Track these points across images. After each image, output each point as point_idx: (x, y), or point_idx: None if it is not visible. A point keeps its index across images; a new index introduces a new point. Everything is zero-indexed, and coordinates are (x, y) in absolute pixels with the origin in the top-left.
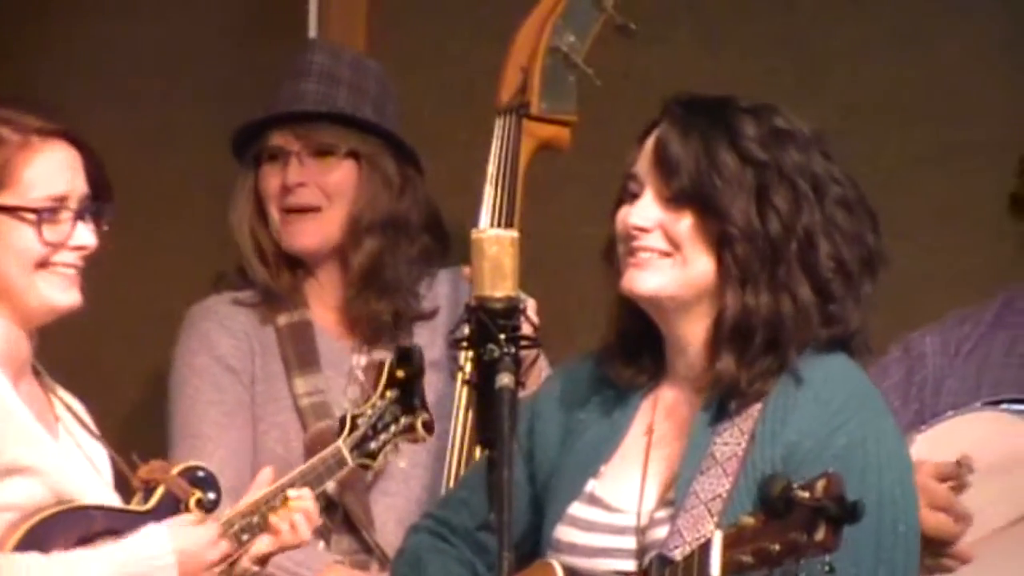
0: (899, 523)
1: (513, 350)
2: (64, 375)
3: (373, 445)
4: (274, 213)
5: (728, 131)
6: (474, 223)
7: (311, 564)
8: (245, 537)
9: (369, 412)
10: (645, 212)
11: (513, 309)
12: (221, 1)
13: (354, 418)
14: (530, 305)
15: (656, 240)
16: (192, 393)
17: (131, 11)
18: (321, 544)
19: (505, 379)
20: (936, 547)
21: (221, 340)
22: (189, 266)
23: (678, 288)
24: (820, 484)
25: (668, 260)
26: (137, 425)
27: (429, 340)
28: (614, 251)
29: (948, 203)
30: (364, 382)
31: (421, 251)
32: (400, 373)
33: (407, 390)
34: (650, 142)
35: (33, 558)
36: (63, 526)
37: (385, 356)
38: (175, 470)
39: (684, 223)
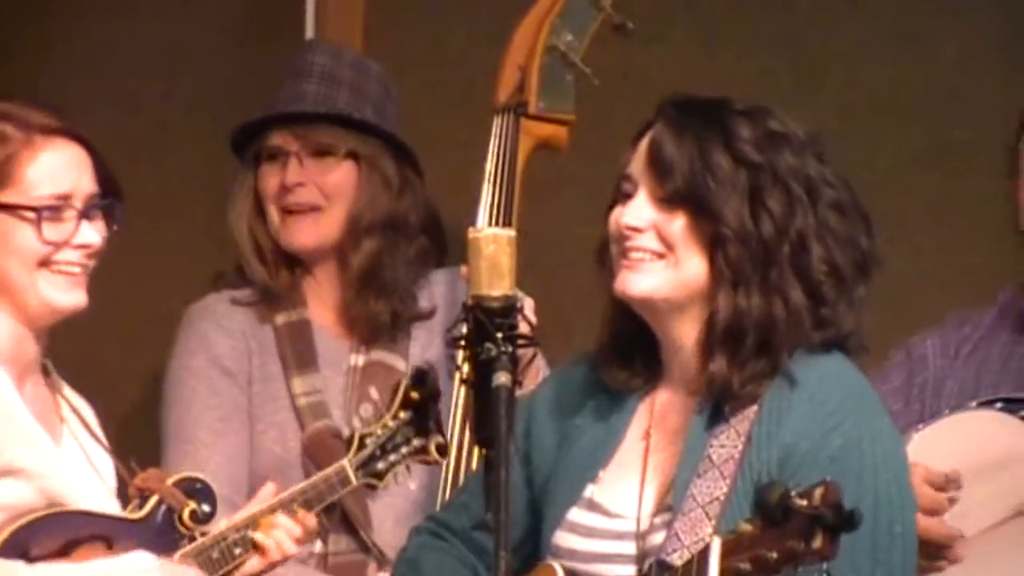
0: (895, 524)
1: (510, 349)
2: (63, 375)
3: (380, 465)
4: (273, 212)
5: (722, 133)
6: (472, 222)
7: None
8: (238, 551)
9: (379, 432)
10: (638, 212)
11: (510, 308)
12: (219, 1)
13: (362, 437)
14: (528, 304)
15: (649, 240)
16: (188, 395)
17: (130, 12)
18: (319, 545)
19: (502, 378)
20: (926, 549)
21: (218, 340)
22: (188, 266)
23: (671, 290)
24: (818, 492)
25: (661, 262)
26: (136, 425)
27: (426, 340)
28: (607, 252)
29: (945, 203)
30: (378, 401)
31: (419, 252)
32: (414, 395)
33: (421, 412)
34: (644, 143)
35: (17, 566)
36: (49, 530)
37: (382, 356)
38: (171, 480)
39: (677, 224)
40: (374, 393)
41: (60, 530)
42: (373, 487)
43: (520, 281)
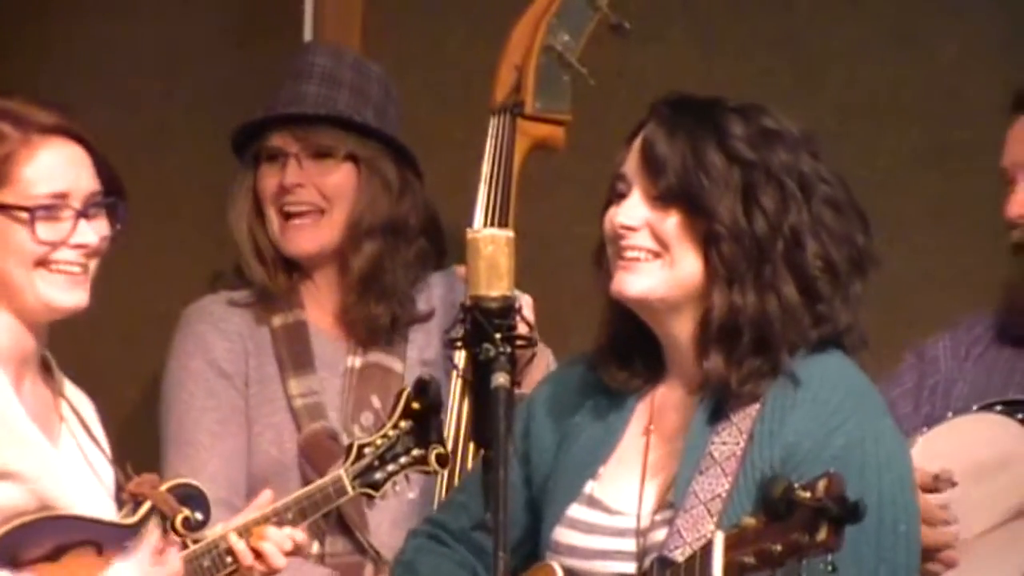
0: (899, 522)
1: (508, 350)
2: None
3: (378, 475)
4: (272, 214)
5: (715, 130)
6: (470, 223)
7: None
8: (229, 559)
9: (379, 442)
10: (632, 212)
11: (509, 309)
12: (218, 2)
13: (360, 447)
14: (525, 302)
15: (643, 239)
16: (186, 398)
17: (129, 12)
18: (316, 546)
19: (501, 378)
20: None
21: (215, 343)
22: (186, 266)
23: (667, 290)
24: (821, 484)
25: (657, 262)
26: (135, 426)
27: (424, 342)
28: (603, 254)
29: (944, 203)
30: (380, 409)
31: (418, 254)
32: (416, 405)
33: (422, 422)
34: (637, 142)
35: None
36: (38, 535)
37: (380, 358)
38: (164, 486)
39: (671, 222)
40: (376, 402)
41: (50, 535)
42: (370, 497)
43: (517, 281)
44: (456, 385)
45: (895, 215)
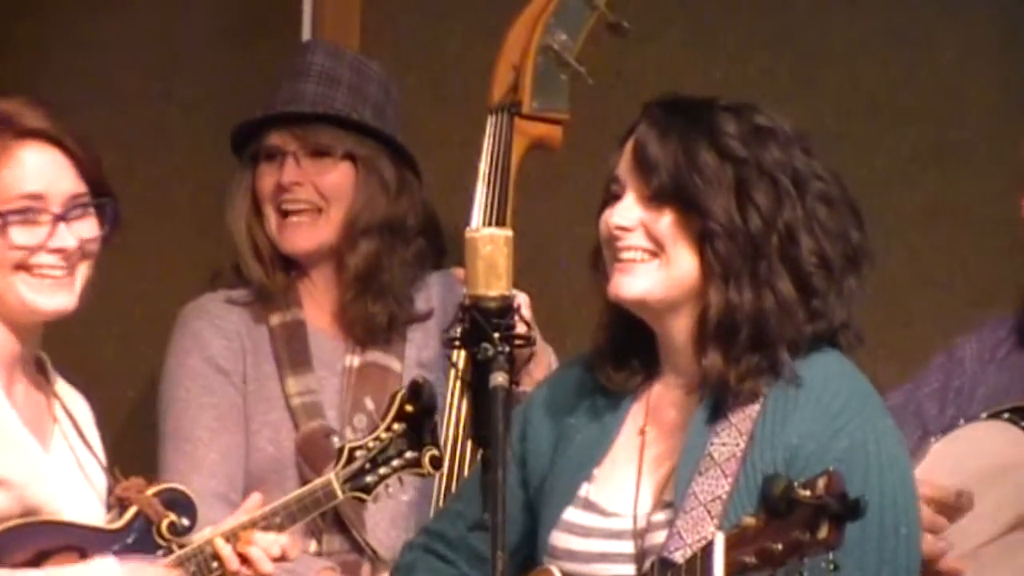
0: (901, 525)
1: (507, 349)
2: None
3: (369, 479)
4: (270, 213)
5: (707, 129)
6: (467, 222)
7: (302, 571)
8: (215, 564)
9: (371, 445)
10: (627, 212)
11: (507, 308)
12: (216, 1)
13: (352, 450)
14: (523, 301)
15: (638, 239)
16: (184, 395)
17: (126, 11)
18: (313, 544)
19: (499, 378)
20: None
21: (213, 340)
22: (184, 265)
23: (665, 290)
24: (821, 482)
25: (654, 262)
26: (133, 425)
27: (422, 342)
28: (600, 257)
29: (942, 203)
30: (373, 412)
31: (416, 254)
32: (409, 407)
33: (416, 424)
34: (630, 144)
35: None
36: (22, 541)
37: (377, 357)
38: (151, 491)
39: (665, 221)
40: (369, 404)
41: (33, 540)
42: (361, 500)
43: (515, 281)
44: (455, 385)
45: (893, 215)
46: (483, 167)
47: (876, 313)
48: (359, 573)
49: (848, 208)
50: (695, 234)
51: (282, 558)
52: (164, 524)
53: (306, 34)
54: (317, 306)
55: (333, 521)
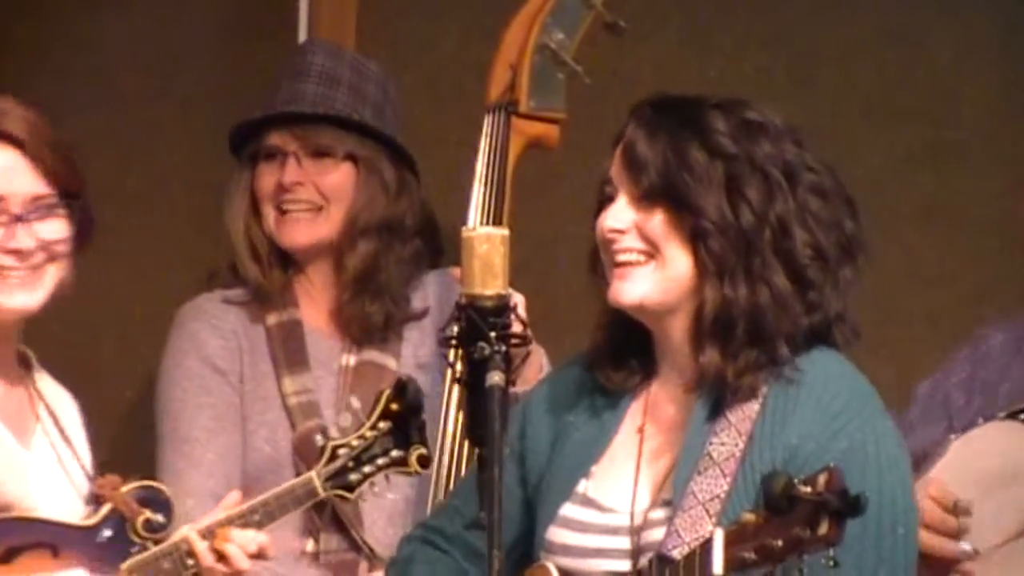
0: (899, 525)
1: (503, 348)
2: (56, 375)
3: (353, 477)
4: (269, 211)
5: (696, 127)
6: (464, 221)
7: None
8: (191, 562)
9: (355, 443)
10: (619, 215)
11: (503, 307)
12: (212, 1)
13: (335, 448)
14: (519, 302)
15: (633, 241)
16: (181, 396)
17: (123, 11)
18: (310, 543)
19: (495, 377)
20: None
21: (210, 340)
22: (179, 265)
23: (663, 293)
24: (821, 478)
25: (650, 264)
26: (130, 424)
27: (418, 341)
28: (599, 261)
29: (938, 202)
30: (359, 410)
31: (413, 254)
32: (395, 406)
33: (402, 423)
34: (621, 144)
35: None
36: None
37: (374, 356)
38: (126, 487)
39: (656, 220)
40: (355, 403)
41: (4, 536)
42: (344, 499)
43: (511, 280)
44: (452, 383)
45: (889, 214)
46: (480, 166)
47: (872, 312)
48: (356, 571)
49: (841, 199)
50: (687, 233)
51: (259, 555)
52: (139, 521)
53: (302, 34)
54: (314, 305)
55: (331, 520)
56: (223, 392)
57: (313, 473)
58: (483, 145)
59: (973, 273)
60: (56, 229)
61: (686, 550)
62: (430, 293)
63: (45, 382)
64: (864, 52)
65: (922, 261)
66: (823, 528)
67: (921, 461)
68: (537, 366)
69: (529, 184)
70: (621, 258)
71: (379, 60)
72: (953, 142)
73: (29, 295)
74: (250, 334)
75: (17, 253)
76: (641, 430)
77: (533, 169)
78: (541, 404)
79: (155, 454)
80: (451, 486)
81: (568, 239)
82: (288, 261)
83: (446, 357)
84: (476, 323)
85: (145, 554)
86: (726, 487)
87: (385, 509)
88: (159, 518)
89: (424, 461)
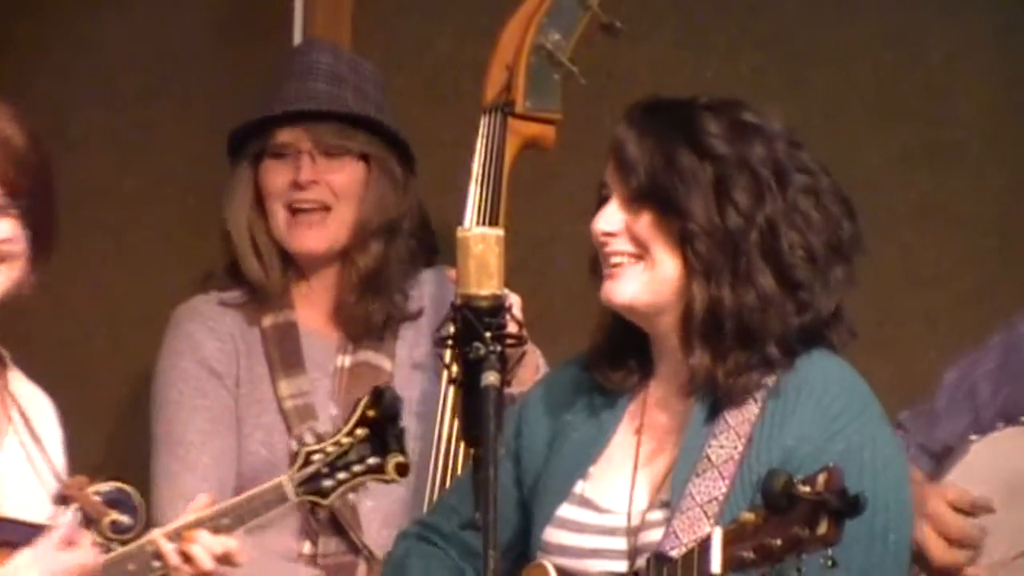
0: (890, 531)
1: (499, 348)
2: (50, 375)
3: (327, 483)
4: (278, 210)
5: (686, 128)
6: (460, 222)
7: None
8: (156, 564)
9: (330, 450)
10: (611, 217)
11: (499, 307)
12: (208, 1)
13: (309, 454)
14: (515, 302)
15: (623, 244)
16: (176, 398)
17: (119, 10)
18: (307, 546)
19: (491, 377)
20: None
21: (206, 342)
22: (175, 266)
23: (652, 294)
24: (821, 478)
25: (639, 265)
26: (124, 426)
27: (413, 340)
28: (598, 262)
29: (934, 202)
30: (335, 417)
31: (410, 252)
32: (371, 413)
33: (379, 430)
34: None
35: None
36: None
37: (369, 356)
38: (92, 488)
39: (644, 222)
40: (333, 409)
41: None
42: (318, 505)
43: (507, 280)
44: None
45: (885, 214)
46: (476, 167)
47: (870, 312)
48: (355, 574)
49: (836, 199)
50: (675, 235)
51: (225, 558)
52: (105, 522)
53: (297, 34)
54: (310, 306)
55: (329, 523)
56: (219, 395)
57: (285, 478)
58: (479, 145)
59: (971, 273)
60: (6, 229)
61: (684, 551)
62: (425, 292)
63: (19, 382)
64: (860, 52)
65: (919, 261)
66: (822, 528)
67: (944, 456)
68: (533, 367)
69: (525, 184)
70: (614, 260)
71: (374, 60)
72: (950, 142)
73: None
74: (246, 336)
75: None
76: (639, 431)
77: (529, 169)
78: (538, 404)
79: (149, 456)
80: (447, 487)
81: (564, 239)
82: (288, 261)
83: (442, 357)
84: (471, 323)
85: (110, 555)
86: (724, 489)
87: (381, 511)
88: (125, 519)
89: (402, 469)
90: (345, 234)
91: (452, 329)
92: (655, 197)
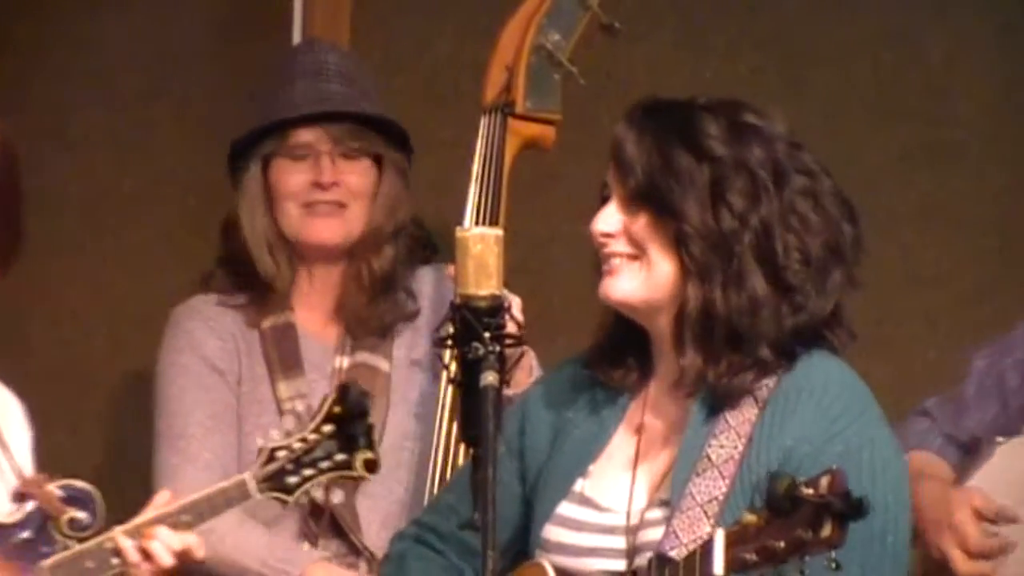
0: (888, 534)
1: (497, 349)
2: (50, 375)
3: (292, 480)
4: (291, 209)
5: (684, 129)
6: (459, 222)
7: (296, 561)
8: (115, 561)
9: (295, 446)
10: (609, 218)
11: (498, 307)
12: (207, 0)
13: (273, 451)
14: (515, 303)
15: (621, 245)
16: (178, 393)
17: (118, 10)
18: (306, 547)
19: (490, 378)
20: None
21: (207, 340)
22: (174, 266)
23: (648, 292)
24: (824, 480)
25: (635, 263)
26: (123, 424)
27: (411, 340)
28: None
29: (934, 202)
30: (302, 413)
31: (408, 251)
32: (337, 409)
33: (346, 427)
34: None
35: None
36: None
37: (366, 357)
38: (51, 485)
39: (641, 223)
40: (299, 406)
41: None
42: (282, 501)
43: (507, 280)
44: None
45: (885, 214)
46: (476, 167)
47: (869, 312)
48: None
49: (837, 202)
50: (671, 236)
51: (184, 555)
52: (64, 520)
53: (296, 34)
54: (310, 308)
55: (329, 525)
56: (220, 391)
57: (247, 475)
58: (479, 146)
59: (971, 273)
60: None
61: (684, 551)
62: (423, 291)
63: None
64: (860, 52)
65: (919, 261)
66: (826, 530)
67: (972, 448)
68: (527, 368)
69: (525, 185)
70: (613, 261)
71: (374, 60)
72: (950, 142)
73: None
74: (246, 336)
75: None
76: (639, 429)
77: (529, 170)
78: (540, 401)
79: (150, 455)
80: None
81: (564, 240)
82: (294, 263)
83: (441, 358)
84: (470, 323)
85: (67, 552)
86: (724, 489)
87: (379, 512)
88: (84, 517)
89: (370, 465)
90: (358, 231)
91: (451, 329)
92: (652, 198)
